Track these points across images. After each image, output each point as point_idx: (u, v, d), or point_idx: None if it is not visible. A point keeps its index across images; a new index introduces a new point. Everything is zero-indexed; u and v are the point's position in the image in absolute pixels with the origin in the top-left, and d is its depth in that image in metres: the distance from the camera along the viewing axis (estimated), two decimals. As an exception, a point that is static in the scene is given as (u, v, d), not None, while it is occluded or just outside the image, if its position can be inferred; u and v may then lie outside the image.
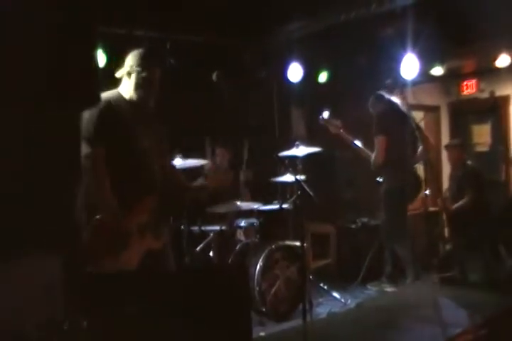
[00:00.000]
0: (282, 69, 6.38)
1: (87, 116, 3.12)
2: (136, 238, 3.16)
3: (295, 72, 6.38)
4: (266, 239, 5.24)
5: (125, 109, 3.28)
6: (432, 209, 6.86)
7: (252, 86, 6.22)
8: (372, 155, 5.50)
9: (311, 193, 4.44)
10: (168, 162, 3.66)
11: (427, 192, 6.05)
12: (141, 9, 4.81)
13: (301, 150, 5.15)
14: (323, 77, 6.90)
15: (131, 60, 3.32)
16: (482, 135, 8.32)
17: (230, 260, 4.92)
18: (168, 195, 3.44)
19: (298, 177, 4.63)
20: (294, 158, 5.17)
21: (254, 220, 5.32)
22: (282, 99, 6.96)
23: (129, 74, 3.30)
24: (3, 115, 3.36)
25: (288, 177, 5.00)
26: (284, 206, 5.54)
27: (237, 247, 5.12)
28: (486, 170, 6.78)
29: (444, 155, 8.44)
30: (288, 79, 6.42)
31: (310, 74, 6.65)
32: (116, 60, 5.01)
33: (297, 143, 5.18)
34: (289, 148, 5.15)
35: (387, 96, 5.62)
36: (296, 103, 7.30)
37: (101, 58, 5.01)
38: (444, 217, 6.62)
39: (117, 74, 3.36)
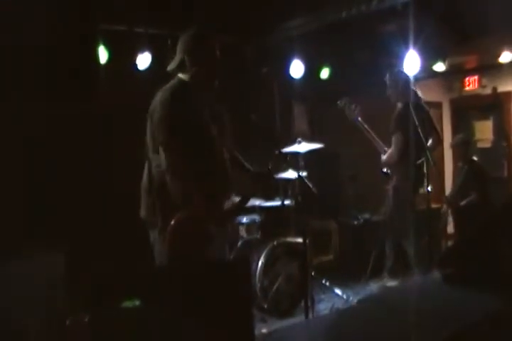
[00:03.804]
0: (284, 65, 6.37)
1: (155, 112, 3.06)
2: (220, 231, 3.16)
3: (297, 69, 6.37)
4: (268, 235, 5.24)
5: (190, 95, 3.16)
6: (434, 205, 6.85)
7: (253, 82, 6.21)
8: (388, 151, 5.47)
9: (313, 189, 4.44)
10: (232, 146, 3.52)
11: (429, 188, 6.05)
12: (141, 6, 4.81)
13: (303, 147, 5.14)
14: (324, 73, 6.90)
15: (184, 43, 3.21)
16: (484, 131, 8.31)
17: (231, 256, 4.92)
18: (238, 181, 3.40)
19: (300, 173, 4.62)
20: (296, 154, 5.16)
21: (255, 217, 5.32)
22: (284, 95, 6.95)
23: (186, 58, 3.18)
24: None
25: (290, 174, 5.00)
26: (286, 202, 5.54)
27: (239, 244, 5.12)
28: (489, 167, 6.77)
29: (446, 151, 8.45)
30: (290, 76, 6.42)
31: (312, 71, 6.65)
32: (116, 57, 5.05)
33: (299, 139, 5.17)
34: (291, 144, 5.13)
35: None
36: (298, 99, 7.29)
37: (103, 56, 5.02)
38: (450, 212, 6.62)
39: (170, 66, 3.25)
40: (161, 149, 3.02)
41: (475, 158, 6.42)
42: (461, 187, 6.34)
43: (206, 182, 3.09)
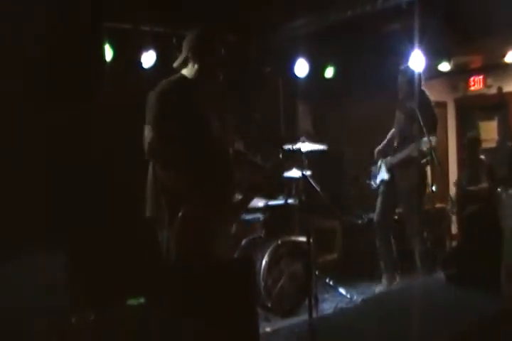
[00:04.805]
0: (288, 64, 6.37)
1: (152, 100, 3.08)
2: (224, 229, 3.18)
3: (301, 68, 6.37)
4: (272, 234, 5.23)
5: (190, 90, 3.19)
6: (438, 205, 6.84)
7: (258, 81, 6.21)
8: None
9: (317, 188, 4.44)
10: (236, 144, 3.56)
11: (434, 188, 6.03)
12: (146, 5, 4.81)
13: (306, 146, 5.12)
14: (329, 72, 6.89)
15: (189, 41, 3.27)
16: (489, 131, 8.29)
17: (236, 255, 4.92)
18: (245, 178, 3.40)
19: (304, 172, 4.62)
20: (300, 153, 5.14)
21: (259, 215, 5.31)
22: (288, 94, 6.94)
23: (189, 56, 3.23)
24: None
25: (294, 173, 4.99)
26: (290, 201, 5.53)
27: (243, 242, 5.12)
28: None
29: (451, 151, 8.45)
30: (294, 75, 6.42)
31: (316, 70, 6.64)
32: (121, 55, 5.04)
33: (303, 138, 5.16)
34: (294, 142, 5.12)
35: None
36: (303, 98, 7.28)
37: (108, 54, 5.02)
38: (454, 211, 6.61)
39: (176, 63, 3.28)
40: (147, 128, 3.03)
41: (483, 157, 6.45)
42: (470, 185, 6.32)
43: (207, 179, 3.09)
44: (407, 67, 5.55)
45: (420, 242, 5.40)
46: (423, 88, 5.45)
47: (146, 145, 3.03)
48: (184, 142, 3.04)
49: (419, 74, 5.44)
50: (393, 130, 5.68)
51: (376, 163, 5.72)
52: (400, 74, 5.49)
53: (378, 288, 5.54)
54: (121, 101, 4.71)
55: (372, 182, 5.74)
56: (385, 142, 5.71)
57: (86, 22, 3.91)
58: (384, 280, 5.54)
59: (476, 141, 6.53)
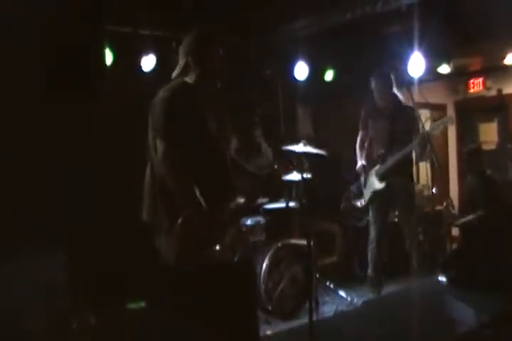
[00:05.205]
0: (288, 67, 6.37)
1: (155, 107, 3.06)
2: (229, 230, 3.17)
3: (301, 71, 6.37)
4: (272, 237, 5.23)
5: (191, 93, 3.16)
6: (438, 208, 6.83)
7: (257, 83, 6.21)
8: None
9: (317, 191, 4.43)
10: (231, 149, 3.53)
11: (434, 191, 6.02)
12: (146, 8, 4.82)
13: (307, 149, 5.11)
14: (329, 75, 6.89)
15: (187, 45, 3.23)
16: (489, 133, 8.30)
17: (236, 258, 4.92)
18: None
19: (304, 175, 4.62)
20: (300, 156, 5.13)
21: (260, 218, 5.31)
22: (288, 97, 6.95)
23: (189, 60, 3.19)
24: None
25: (294, 176, 4.99)
26: (291, 204, 5.52)
27: (244, 245, 5.11)
28: (493, 169, 6.72)
29: (451, 154, 8.45)
30: (294, 78, 6.42)
31: (316, 73, 6.64)
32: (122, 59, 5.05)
33: (303, 141, 5.14)
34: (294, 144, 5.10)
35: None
36: (302, 101, 7.28)
37: (108, 57, 5.02)
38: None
39: (175, 73, 3.25)
40: (158, 142, 3.00)
41: (488, 172, 5.97)
42: (468, 203, 5.96)
43: (208, 182, 3.08)
44: (378, 72, 5.40)
45: (417, 244, 5.39)
46: (395, 91, 5.32)
47: (160, 159, 2.98)
48: (187, 144, 3.03)
49: (391, 78, 5.30)
50: (359, 142, 5.58)
51: (358, 180, 5.63)
52: (372, 81, 5.35)
53: (363, 291, 5.51)
54: (120, 104, 4.72)
55: (358, 203, 5.65)
56: (362, 158, 5.56)
57: (86, 23, 3.91)
58: (369, 283, 5.47)
59: (477, 152, 6.00)
